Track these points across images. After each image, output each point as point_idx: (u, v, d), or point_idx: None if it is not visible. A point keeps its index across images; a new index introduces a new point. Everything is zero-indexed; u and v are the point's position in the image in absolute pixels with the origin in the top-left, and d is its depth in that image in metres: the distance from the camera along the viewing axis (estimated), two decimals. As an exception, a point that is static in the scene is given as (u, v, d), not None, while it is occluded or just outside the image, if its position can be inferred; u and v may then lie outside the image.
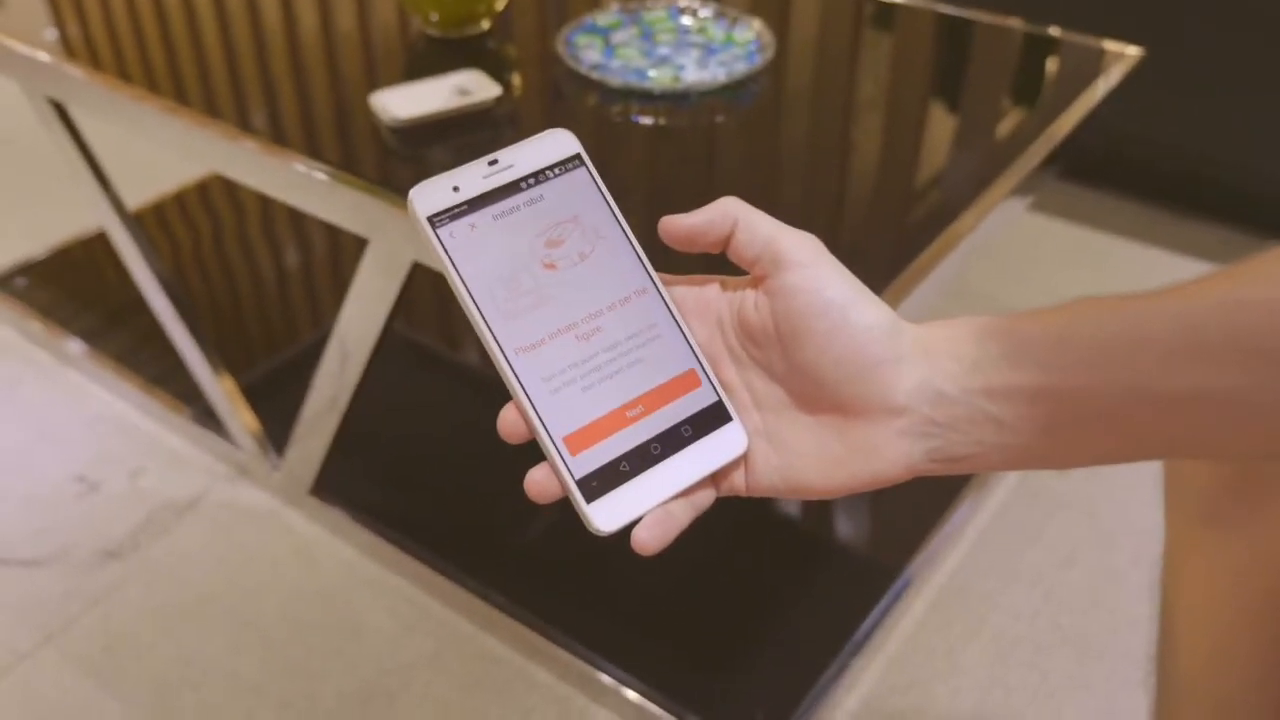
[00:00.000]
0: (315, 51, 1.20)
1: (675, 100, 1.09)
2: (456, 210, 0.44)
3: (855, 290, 0.44)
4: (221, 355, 1.44)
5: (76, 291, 1.71)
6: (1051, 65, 1.18)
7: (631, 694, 1.12)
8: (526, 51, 1.20)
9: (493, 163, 0.45)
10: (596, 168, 0.47)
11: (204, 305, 1.65)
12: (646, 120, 1.07)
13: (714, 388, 0.46)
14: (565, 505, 0.45)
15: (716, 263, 0.48)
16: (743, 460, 0.46)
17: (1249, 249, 0.42)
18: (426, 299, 1.67)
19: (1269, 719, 0.70)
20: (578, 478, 0.44)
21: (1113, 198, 1.89)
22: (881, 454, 0.43)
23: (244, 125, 1.07)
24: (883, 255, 0.90)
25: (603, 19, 1.21)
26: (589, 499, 0.44)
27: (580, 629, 1.17)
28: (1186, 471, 0.66)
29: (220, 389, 1.40)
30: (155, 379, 1.52)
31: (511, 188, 0.45)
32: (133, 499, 1.41)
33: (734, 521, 1.34)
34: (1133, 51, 1.15)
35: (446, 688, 1.18)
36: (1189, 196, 1.84)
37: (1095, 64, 1.14)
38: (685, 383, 0.46)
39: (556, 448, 0.44)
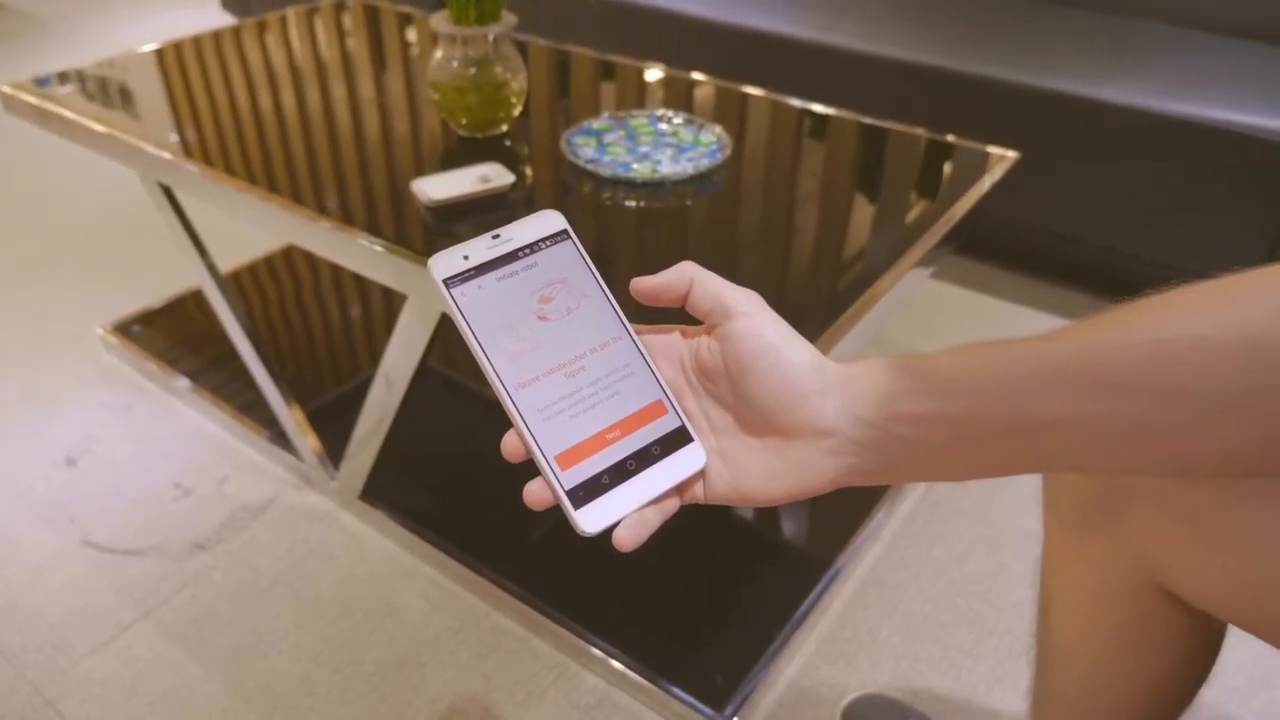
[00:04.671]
0: (375, 148, 1.18)
1: (653, 188, 1.08)
2: (466, 274, 0.43)
3: (788, 335, 0.43)
4: (292, 389, 1.41)
5: (179, 337, 1.68)
6: (948, 165, 1.17)
7: (615, 663, 1.08)
8: (537, 148, 1.19)
9: (495, 237, 0.45)
10: (589, 241, 0.47)
11: (279, 349, 1.62)
12: (631, 203, 1.06)
13: (678, 415, 0.45)
14: (560, 512, 0.43)
15: (678, 315, 0.47)
16: (702, 475, 0.45)
17: (1096, 306, 0.41)
18: (454, 343, 1.64)
19: (1124, 686, 0.68)
20: (567, 489, 0.43)
21: (994, 268, 1.88)
22: (812, 469, 0.42)
23: (319, 208, 1.04)
24: (818, 310, 0.88)
25: (597, 124, 1.20)
26: (576, 506, 0.43)
27: (574, 609, 1.14)
28: (1061, 483, 0.65)
29: (290, 415, 1.37)
30: (240, 407, 1.48)
31: (511, 256, 0.45)
32: (218, 502, 1.37)
33: (698, 524, 1.31)
34: (1011, 154, 1.15)
35: (466, 656, 1.14)
36: (1052, 266, 1.85)
37: (982, 164, 1.13)
38: (654, 411, 0.45)
39: (549, 464, 0.43)
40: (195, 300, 1.75)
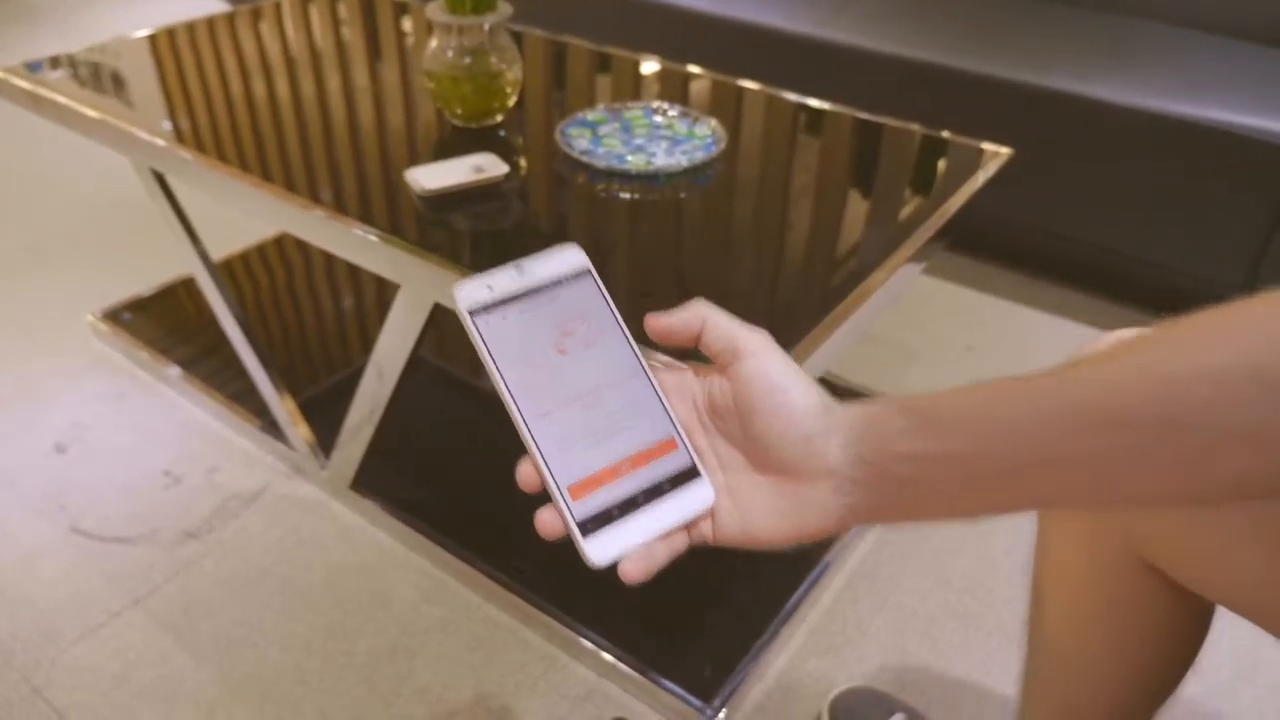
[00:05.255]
0: (369, 137, 1.18)
1: (648, 180, 1.08)
2: (491, 305, 0.45)
3: (794, 376, 0.44)
4: (283, 378, 1.41)
5: (170, 325, 1.67)
6: (942, 161, 1.17)
7: (606, 655, 1.09)
8: (531, 139, 1.19)
9: (519, 269, 0.46)
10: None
11: (271, 338, 1.62)
12: (624, 195, 1.06)
13: (689, 452, 0.46)
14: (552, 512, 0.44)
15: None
16: (710, 513, 0.45)
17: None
18: (447, 335, 1.64)
19: (1112, 664, 0.69)
20: (577, 519, 0.44)
21: (990, 265, 1.89)
22: (819, 508, 0.43)
23: (313, 196, 1.04)
24: (811, 304, 0.89)
25: (592, 115, 1.20)
26: (585, 536, 0.43)
27: (565, 601, 1.14)
28: None
29: (281, 404, 1.37)
30: (231, 395, 1.48)
31: (535, 290, 0.46)
32: (209, 491, 1.37)
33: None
34: (1005, 151, 1.15)
35: (456, 647, 1.14)
36: (1048, 265, 1.85)
37: (976, 160, 1.14)
38: (665, 447, 0.46)
39: (561, 494, 0.44)
40: (186, 288, 1.75)
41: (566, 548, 0.45)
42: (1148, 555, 0.60)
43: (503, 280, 0.45)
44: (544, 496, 0.44)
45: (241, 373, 1.44)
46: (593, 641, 1.10)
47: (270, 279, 1.79)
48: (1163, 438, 0.39)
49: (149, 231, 1.91)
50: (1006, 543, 1.28)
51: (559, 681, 1.10)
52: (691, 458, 0.46)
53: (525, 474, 0.44)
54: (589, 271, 0.47)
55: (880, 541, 1.28)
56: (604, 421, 0.45)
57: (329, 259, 1.83)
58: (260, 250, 1.84)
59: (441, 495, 1.33)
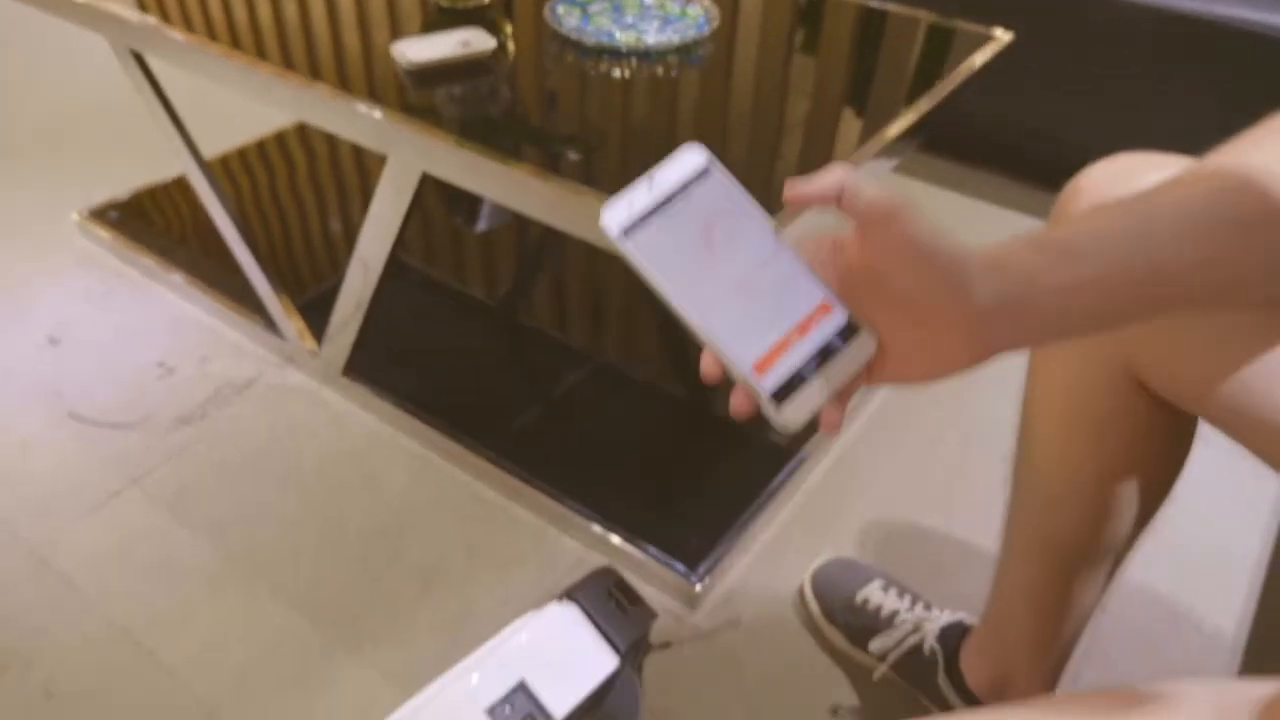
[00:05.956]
0: (354, 13, 1.17)
1: (639, 56, 1.08)
2: (636, 223, 0.47)
3: (939, 234, 0.46)
4: (276, 272, 1.41)
5: (154, 223, 1.67)
6: (937, 44, 1.16)
7: (594, 526, 1.12)
8: (520, 19, 1.18)
9: (651, 180, 0.48)
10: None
11: (265, 234, 1.62)
12: (615, 73, 1.06)
13: (844, 310, 0.49)
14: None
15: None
16: (873, 359, 0.49)
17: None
18: (432, 236, 1.65)
19: (1100, 478, 0.72)
20: (768, 394, 0.47)
21: (971, 168, 1.89)
22: (961, 349, 0.45)
23: (295, 66, 1.04)
24: (781, 183, 0.89)
25: (581, -4, 1.19)
26: (778, 407, 0.47)
27: (555, 477, 1.17)
28: None
29: (271, 295, 1.38)
30: (221, 290, 1.49)
31: (668, 198, 0.48)
32: (202, 380, 1.39)
33: (679, 405, 1.34)
34: (1004, 36, 1.14)
35: (447, 524, 1.17)
36: (1033, 170, 1.85)
37: (974, 44, 1.13)
38: (823, 310, 0.49)
39: (748, 375, 0.47)
40: (167, 189, 1.74)
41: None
42: (1137, 369, 0.63)
43: (639, 196, 0.48)
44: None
45: (230, 267, 1.45)
46: (582, 514, 1.13)
47: (252, 183, 1.78)
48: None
49: (135, 133, 1.90)
50: (986, 434, 1.31)
51: (549, 554, 1.13)
52: (848, 314, 0.49)
53: (707, 365, 0.48)
54: (715, 165, 0.50)
55: (864, 432, 1.31)
56: (764, 301, 0.48)
57: (315, 160, 1.82)
58: (241, 155, 1.83)
59: (430, 380, 1.34)
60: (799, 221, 0.84)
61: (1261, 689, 0.48)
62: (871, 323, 0.48)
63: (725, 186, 0.50)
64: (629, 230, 0.47)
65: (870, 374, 0.49)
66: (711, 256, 0.48)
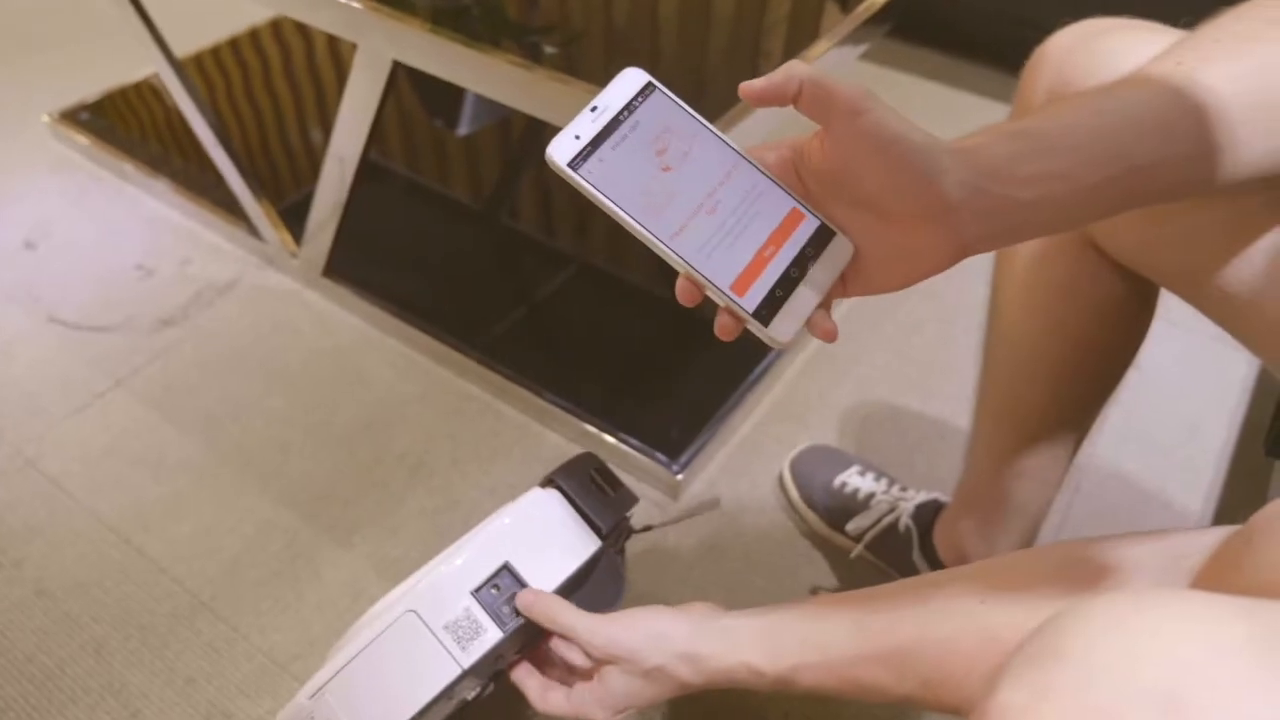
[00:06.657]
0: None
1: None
2: (584, 153, 0.46)
3: (907, 123, 0.43)
4: (254, 173, 1.39)
5: (126, 125, 1.64)
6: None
7: (577, 420, 1.14)
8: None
9: (594, 109, 0.47)
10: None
11: (242, 135, 1.59)
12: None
13: (816, 216, 0.48)
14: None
15: None
16: (851, 263, 0.47)
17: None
18: (409, 138, 1.62)
19: (1061, 345, 0.74)
20: (751, 311, 0.46)
21: (951, 58, 1.85)
22: (934, 249, 0.44)
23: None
24: (736, 79, 0.88)
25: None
26: (765, 323, 0.46)
27: (538, 374, 1.18)
28: None
29: (249, 195, 1.37)
30: (198, 191, 1.47)
31: (615, 123, 0.47)
32: (183, 282, 1.38)
33: (660, 303, 1.35)
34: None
35: (431, 418, 1.19)
36: (1002, 54, 1.81)
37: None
38: (794, 219, 0.48)
39: (728, 295, 0.46)
40: (139, 89, 1.70)
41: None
42: (1097, 236, 0.64)
43: (584, 125, 0.46)
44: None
45: (206, 169, 1.43)
46: (563, 408, 1.15)
47: (225, 83, 1.74)
48: (1257, 116, 0.44)
49: (103, 30, 1.84)
50: (965, 321, 1.32)
51: (533, 446, 1.15)
52: (820, 219, 0.48)
53: (683, 289, 0.47)
54: (654, 85, 0.48)
55: (843, 319, 1.32)
56: (731, 218, 0.47)
57: (288, 61, 1.78)
58: (214, 53, 1.78)
59: (412, 279, 1.34)
60: (744, 124, 0.82)
61: (1209, 537, 0.50)
62: (843, 228, 0.47)
63: (670, 105, 0.48)
64: (577, 161, 0.45)
65: (845, 285, 0.48)
66: (670, 178, 0.47)
